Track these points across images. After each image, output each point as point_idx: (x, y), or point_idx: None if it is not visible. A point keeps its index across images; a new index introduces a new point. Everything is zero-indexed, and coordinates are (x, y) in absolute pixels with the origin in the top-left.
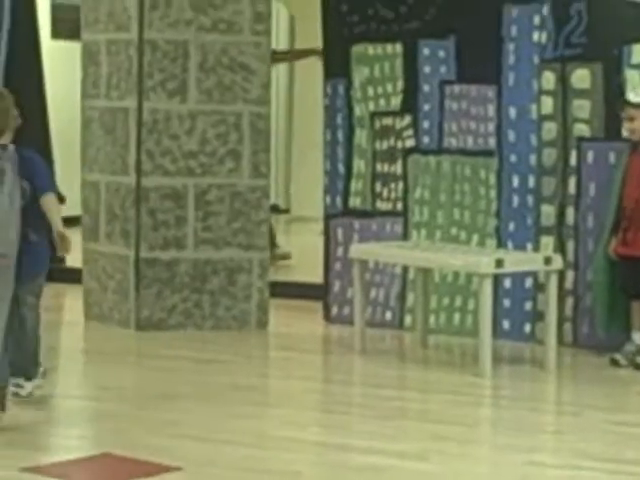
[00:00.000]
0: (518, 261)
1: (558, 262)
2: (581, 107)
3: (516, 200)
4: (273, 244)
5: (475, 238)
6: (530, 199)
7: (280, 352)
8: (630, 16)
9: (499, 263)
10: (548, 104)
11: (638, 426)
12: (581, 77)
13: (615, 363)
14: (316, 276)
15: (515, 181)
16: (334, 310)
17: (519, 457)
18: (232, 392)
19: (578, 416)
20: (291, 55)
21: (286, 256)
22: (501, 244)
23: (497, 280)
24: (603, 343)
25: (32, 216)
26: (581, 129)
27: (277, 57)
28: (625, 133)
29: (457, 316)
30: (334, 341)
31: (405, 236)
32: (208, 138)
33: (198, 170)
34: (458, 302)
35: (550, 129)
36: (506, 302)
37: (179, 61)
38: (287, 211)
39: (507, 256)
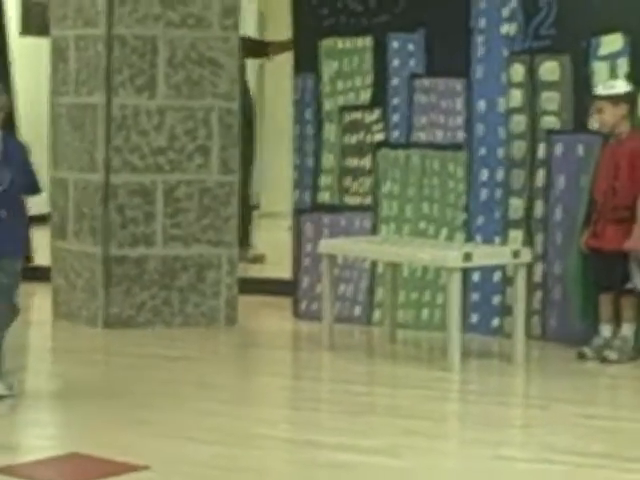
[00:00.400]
0: (486, 255)
1: (527, 255)
2: (550, 99)
3: (485, 193)
4: (247, 243)
5: (444, 232)
6: (499, 192)
7: (249, 349)
8: (598, 8)
9: (467, 257)
10: (517, 97)
11: (606, 419)
12: (550, 69)
13: (583, 356)
14: (285, 272)
15: (484, 174)
16: (303, 306)
17: (488, 451)
18: (201, 389)
19: (546, 410)
20: (272, 48)
21: (259, 259)
22: (470, 238)
23: (466, 274)
24: (571, 336)
25: (7, 198)
26: (550, 121)
27: (255, 48)
28: (594, 125)
29: (426, 311)
30: (303, 337)
31: (374, 231)
32: (177, 134)
33: (167, 166)
34: (427, 297)
35: (519, 122)
36: (475, 296)
37: (147, 57)
38: (256, 207)
39: (475, 250)
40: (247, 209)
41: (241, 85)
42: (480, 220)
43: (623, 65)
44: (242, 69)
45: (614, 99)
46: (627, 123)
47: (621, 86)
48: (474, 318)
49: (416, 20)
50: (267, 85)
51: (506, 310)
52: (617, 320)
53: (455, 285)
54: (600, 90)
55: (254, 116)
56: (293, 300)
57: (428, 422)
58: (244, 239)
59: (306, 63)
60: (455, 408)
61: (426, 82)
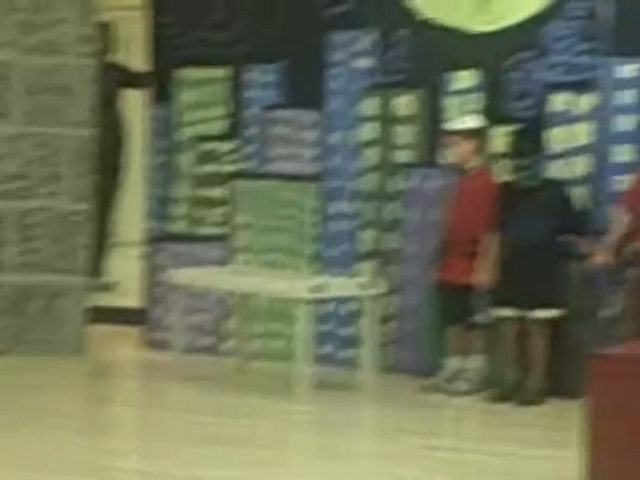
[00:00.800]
0: (339, 286)
1: (378, 287)
2: (403, 133)
3: (338, 225)
4: (98, 272)
5: (296, 263)
6: (352, 224)
7: (99, 378)
8: (451, 44)
9: (318, 288)
10: (371, 130)
11: (451, 450)
12: (404, 103)
13: (432, 388)
14: (137, 301)
15: (337, 206)
16: (154, 335)
17: None
18: (51, 419)
19: (395, 441)
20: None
21: (111, 287)
22: (323, 269)
23: (318, 305)
24: (420, 368)
25: None
26: (403, 155)
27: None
28: (447, 159)
29: (278, 341)
30: (154, 367)
31: (227, 261)
32: (29, 161)
33: (18, 193)
34: (279, 327)
35: (373, 154)
36: (326, 327)
37: (1, 83)
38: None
39: (328, 281)
40: (104, 238)
41: (111, 114)
42: (333, 251)
43: (476, 100)
44: (111, 98)
45: (464, 134)
46: (478, 158)
47: (472, 121)
48: (326, 349)
49: (273, 52)
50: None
51: (358, 341)
52: (465, 353)
53: (304, 316)
54: (451, 125)
55: (122, 145)
56: (144, 330)
57: (277, 453)
58: (97, 268)
59: (162, 92)
60: (305, 439)
61: (281, 114)
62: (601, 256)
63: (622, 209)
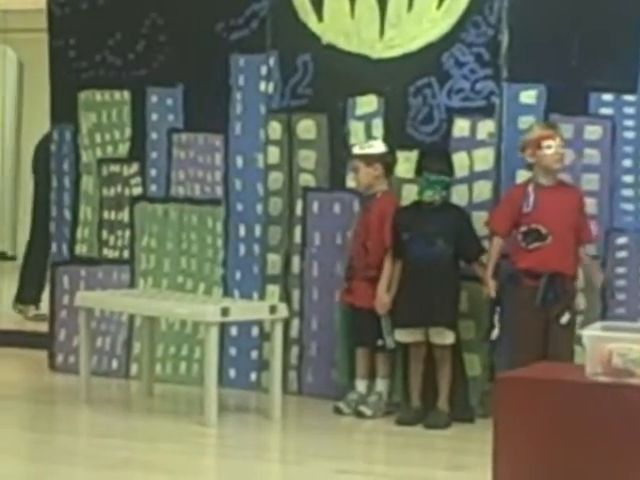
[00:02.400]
0: (244, 310)
1: (283, 311)
2: (307, 157)
3: (242, 249)
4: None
5: (202, 286)
6: (257, 248)
7: (3, 401)
8: (354, 69)
9: (225, 312)
10: (274, 154)
11: (360, 474)
12: (306, 128)
13: (339, 411)
14: (42, 325)
15: (242, 230)
16: (59, 359)
17: None
18: None
19: (303, 464)
20: None
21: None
22: (228, 293)
23: (223, 328)
24: (327, 391)
25: None
26: (306, 179)
27: None
28: (351, 183)
29: (184, 365)
30: (59, 390)
31: (132, 284)
32: None
33: None
34: (185, 351)
35: (276, 178)
36: (232, 350)
37: None
38: (14, 258)
39: (233, 305)
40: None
41: None
42: (238, 275)
43: (378, 125)
44: None
45: (368, 159)
46: (382, 183)
47: (376, 147)
48: (232, 373)
49: (175, 75)
50: (24, 135)
51: (263, 365)
52: (372, 376)
53: (212, 340)
54: (356, 149)
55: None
56: (49, 353)
57: (186, 477)
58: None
59: (64, 115)
60: (212, 463)
61: (184, 137)
62: (486, 288)
63: (494, 233)
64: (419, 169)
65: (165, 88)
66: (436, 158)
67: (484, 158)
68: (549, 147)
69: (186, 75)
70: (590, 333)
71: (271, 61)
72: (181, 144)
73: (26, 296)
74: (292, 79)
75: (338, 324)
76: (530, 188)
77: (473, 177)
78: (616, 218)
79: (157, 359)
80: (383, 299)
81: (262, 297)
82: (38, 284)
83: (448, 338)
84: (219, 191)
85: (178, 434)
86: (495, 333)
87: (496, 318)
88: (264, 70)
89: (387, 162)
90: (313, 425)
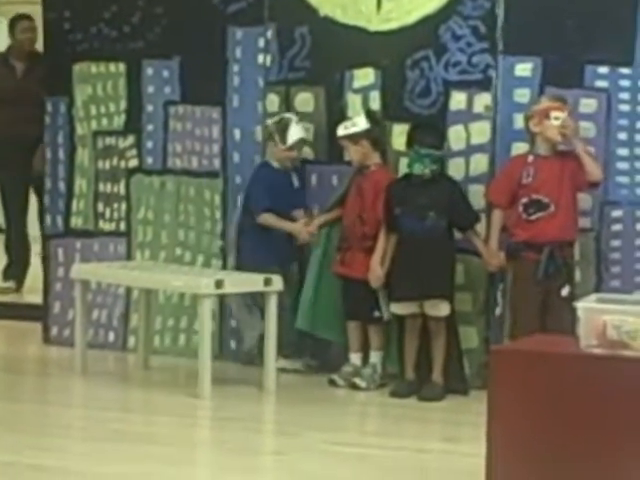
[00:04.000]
0: (239, 282)
1: (278, 283)
2: (305, 130)
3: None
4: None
5: (200, 259)
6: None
7: None
8: (352, 42)
9: (219, 284)
10: None
11: (354, 446)
12: (304, 100)
13: (333, 384)
14: (36, 297)
15: (240, 202)
16: (54, 331)
17: (240, 478)
18: None
19: (297, 437)
20: None
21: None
22: (226, 265)
23: (222, 300)
24: (323, 363)
25: None
26: (304, 151)
27: None
28: (348, 158)
29: (182, 337)
30: (54, 363)
31: (129, 256)
32: None
33: None
34: (183, 323)
35: None
36: (233, 322)
37: None
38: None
39: (228, 277)
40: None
41: None
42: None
43: (375, 98)
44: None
45: (354, 137)
46: (375, 156)
47: (359, 124)
48: (233, 344)
49: (171, 47)
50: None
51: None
52: (366, 348)
53: (206, 312)
54: (340, 131)
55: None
56: (43, 326)
57: (180, 449)
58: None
59: (59, 87)
60: (206, 435)
61: (181, 109)
62: (495, 260)
63: (493, 205)
64: (410, 142)
65: (161, 60)
66: (427, 132)
67: (481, 131)
68: (557, 118)
69: (182, 47)
70: (584, 305)
71: (268, 34)
72: (178, 116)
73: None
74: (289, 52)
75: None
76: (530, 159)
77: (470, 150)
78: (611, 191)
79: (156, 331)
80: (377, 272)
81: None
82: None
83: (443, 310)
84: (217, 163)
85: (173, 406)
86: (498, 310)
87: (499, 295)
88: (261, 42)
89: (373, 137)
90: (307, 397)
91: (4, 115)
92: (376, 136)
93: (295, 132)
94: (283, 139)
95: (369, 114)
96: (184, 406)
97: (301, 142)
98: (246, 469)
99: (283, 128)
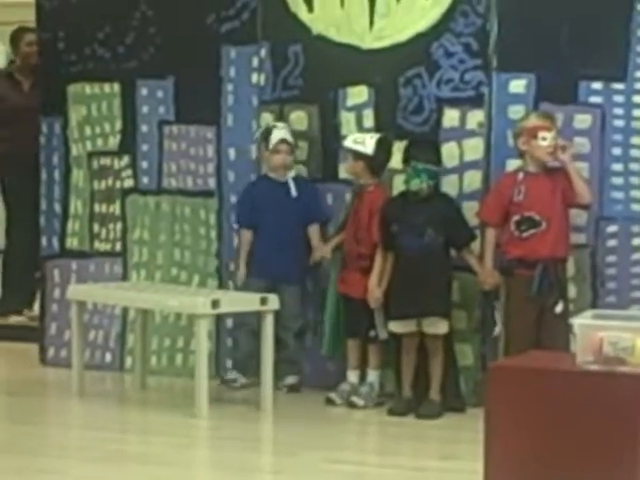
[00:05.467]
0: (235, 301)
1: (274, 303)
2: (299, 148)
3: (237, 240)
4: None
5: (196, 278)
6: None
7: None
8: (345, 60)
9: (215, 304)
10: None
11: (352, 464)
12: (298, 119)
13: (331, 402)
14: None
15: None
16: (50, 353)
17: None
18: None
19: (295, 456)
20: None
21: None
22: (222, 284)
23: (219, 320)
24: (320, 382)
25: None
26: (299, 170)
27: None
28: (344, 174)
29: (179, 357)
30: (51, 384)
31: (125, 277)
32: None
33: None
34: (180, 343)
35: None
36: (229, 341)
37: None
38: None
39: (224, 296)
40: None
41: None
42: (232, 267)
43: (368, 116)
44: None
45: (355, 154)
46: (372, 175)
47: (366, 146)
48: (229, 364)
49: (165, 67)
50: None
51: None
52: (364, 366)
53: (202, 332)
54: (348, 142)
55: None
56: (40, 347)
57: (178, 469)
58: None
59: (54, 107)
60: (205, 455)
61: (175, 129)
62: (490, 279)
63: (486, 224)
64: (406, 159)
65: (155, 80)
66: (423, 147)
67: (474, 148)
68: (544, 139)
69: (177, 67)
70: (581, 321)
71: (262, 52)
72: (172, 136)
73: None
74: (283, 70)
75: (330, 310)
76: (520, 176)
77: (463, 167)
78: (606, 206)
79: (152, 351)
80: (375, 293)
81: None
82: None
83: (442, 328)
84: (212, 183)
85: (170, 426)
86: (497, 330)
87: (497, 315)
88: (255, 62)
89: (372, 165)
90: (305, 416)
91: (12, 132)
92: (376, 165)
93: (277, 135)
94: (267, 144)
95: (381, 142)
96: (181, 426)
97: (286, 145)
98: None
99: (267, 134)
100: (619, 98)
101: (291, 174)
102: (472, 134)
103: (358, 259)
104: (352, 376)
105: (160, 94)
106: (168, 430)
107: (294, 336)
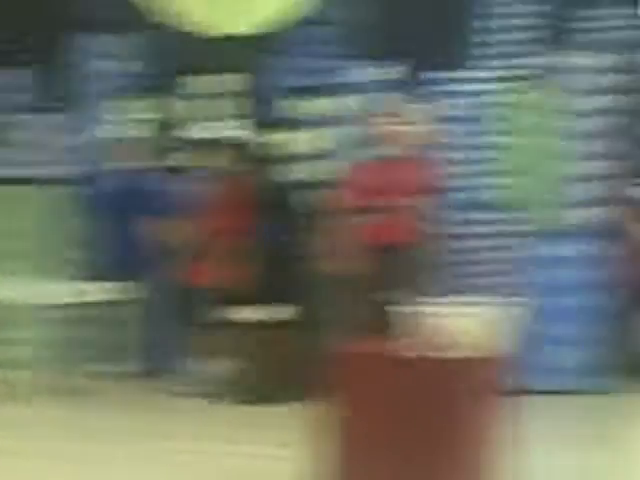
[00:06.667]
0: (90, 292)
1: (132, 292)
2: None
3: (90, 230)
4: None
5: (46, 269)
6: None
7: None
8: (191, 48)
9: (50, 293)
10: (113, 132)
11: (186, 453)
12: (141, 107)
13: (172, 391)
14: None
15: (90, 210)
16: None
17: None
18: None
19: (137, 444)
20: None
21: None
22: (78, 275)
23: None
24: (157, 372)
25: None
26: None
27: None
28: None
29: (16, 348)
30: None
31: None
32: None
33: None
34: (20, 334)
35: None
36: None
37: None
38: None
39: (75, 287)
40: None
41: None
42: (87, 257)
43: (218, 105)
44: None
45: (220, 144)
46: (234, 165)
47: (226, 132)
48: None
49: (17, 55)
50: None
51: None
52: (206, 355)
53: (32, 322)
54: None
55: None
56: None
57: (23, 461)
58: None
59: None
60: (47, 445)
61: (26, 118)
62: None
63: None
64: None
65: (6, 69)
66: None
67: (326, 137)
68: (391, 127)
69: (27, 56)
70: (404, 308)
71: (111, 40)
72: (24, 124)
73: None
74: (130, 58)
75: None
76: (370, 164)
77: (317, 156)
78: (449, 195)
79: None
80: (215, 277)
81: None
82: None
83: (285, 315)
84: (63, 171)
85: (14, 418)
86: (341, 316)
87: (337, 300)
88: (103, 49)
89: (238, 148)
90: (145, 405)
91: None
92: (239, 148)
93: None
94: None
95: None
96: (24, 417)
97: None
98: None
99: None
100: (459, 87)
101: None
102: (326, 122)
103: (210, 249)
104: (195, 365)
105: (13, 81)
106: (11, 422)
107: None
